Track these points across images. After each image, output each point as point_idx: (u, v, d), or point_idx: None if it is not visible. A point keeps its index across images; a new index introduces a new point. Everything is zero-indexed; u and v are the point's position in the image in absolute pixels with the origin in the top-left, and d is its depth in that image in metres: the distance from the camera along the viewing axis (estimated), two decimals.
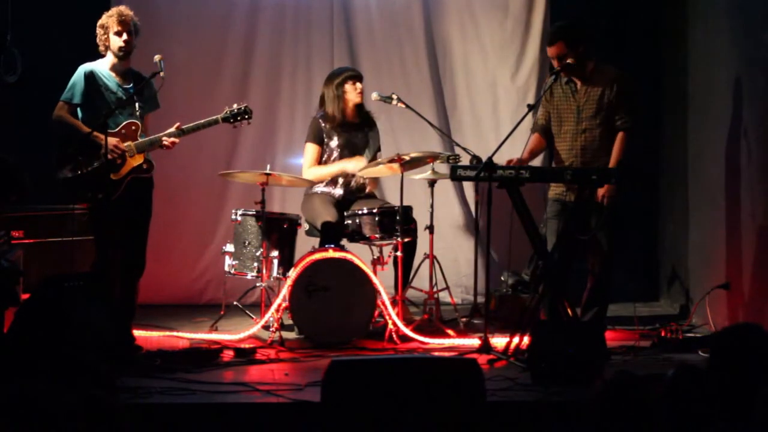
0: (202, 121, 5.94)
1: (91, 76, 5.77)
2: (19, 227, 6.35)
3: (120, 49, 5.76)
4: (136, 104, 5.84)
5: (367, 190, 6.69)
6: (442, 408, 3.34)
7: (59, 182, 5.72)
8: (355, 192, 6.63)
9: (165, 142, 5.83)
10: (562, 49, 5.86)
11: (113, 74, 5.83)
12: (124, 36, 5.75)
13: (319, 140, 6.58)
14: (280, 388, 4.94)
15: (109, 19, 5.76)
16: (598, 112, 5.97)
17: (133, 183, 5.78)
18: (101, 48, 5.82)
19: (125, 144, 5.76)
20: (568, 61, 5.91)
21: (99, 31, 5.78)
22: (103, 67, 5.83)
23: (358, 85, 6.52)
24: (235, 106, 6.06)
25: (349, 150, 6.58)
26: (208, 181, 7.51)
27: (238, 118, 6.05)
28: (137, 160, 5.79)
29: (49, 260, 6.40)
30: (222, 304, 6.63)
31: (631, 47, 7.55)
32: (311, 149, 6.60)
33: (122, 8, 5.82)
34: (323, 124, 6.58)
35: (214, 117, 5.99)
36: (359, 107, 6.59)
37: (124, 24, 5.74)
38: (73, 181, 5.71)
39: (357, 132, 6.62)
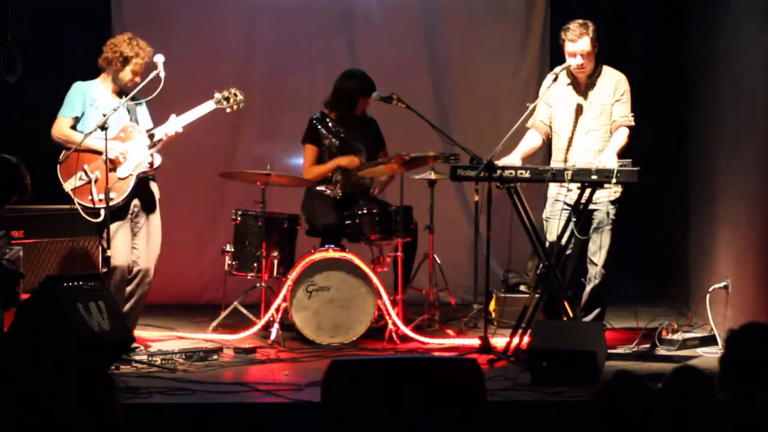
0: (195, 108, 5.93)
1: (85, 92, 5.80)
2: (19, 227, 6.35)
3: (126, 85, 5.81)
4: (130, 112, 5.85)
5: (375, 192, 6.68)
6: (442, 408, 3.34)
7: (67, 194, 5.71)
8: (356, 192, 6.62)
9: (167, 133, 5.83)
10: (587, 45, 5.87)
11: (108, 90, 5.84)
12: (138, 79, 5.80)
13: (316, 140, 6.59)
14: (280, 388, 4.94)
15: (136, 57, 5.74)
16: (601, 114, 5.98)
17: (140, 181, 5.80)
18: (102, 63, 5.81)
19: (125, 144, 5.77)
20: (569, 60, 5.91)
21: (116, 55, 5.74)
22: (97, 84, 5.85)
23: (368, 101, 6.53)
24: (225, 91, 6.06)
25: (345, 148, 6.58)
26: (208, 181, 7.51)
27: (230, 101, 6.05)
28: (141, 157, 5.81)
29: (49, 260, 6.40)
30: (222, 304, 6.62)
31: (631, 47, 7.54)
32: (309, 150, 6.61)
33: (150, 50, 5.79)
34: (318, 125, 6.59)
35: (206, 102, 5.98)
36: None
37: (144, 67, 5.77)
38: (81, 190, 5.71)
39: (354, 131, 6.62)
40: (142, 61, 5.77)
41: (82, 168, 5.72)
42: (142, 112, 5.95)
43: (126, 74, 5.78)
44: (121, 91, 5.87)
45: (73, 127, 5.79)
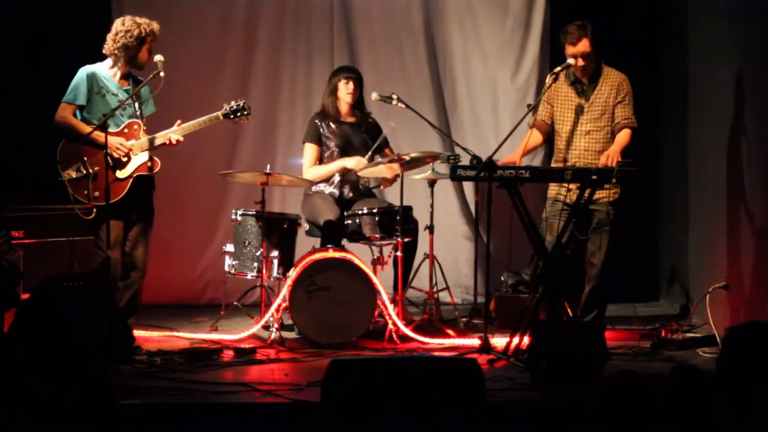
0: (203, 118, 5.97)
1: (92, 78, 5.79)
2: (19, 227, 6.35)
3: (144, 64, 5.86)
4: (136, 104, 5.87)
5: (382, 188, 6.69)
6: (442, 408, 3.34)
7: (64, 183, 5.73)
8: (356, 192, 6.62)
9: (170, 138, 5.85)
10: (586, 46, 5.87)
11: (114, 77, 5.85)
12: (151, 54, 5.86)
13: (317, 140, 6.59)
14: (280, 388, 4.94)
15: (149, 36, 5.80)
16: (603, 114, 5.98)
17: (137, 182, 5.81)
18: (110, 49, 5.81)
19: (129, 142, 5.79)
20: (569, 61, 5.92)
21: (129, 39, 5.76)
22: (104, 69, 5.86)
23: (350, 85, 6.52)
24: (233, 102, 6.10)
25: (347, 148, 6.57)
26: (208, 181, 7.51)
27: (238, 114, 6.09)
28: (142, 159, 5.82)
29: (49, 260, 6.39)
30: (222, 304, 6.63)
31: (631, 46, 7.54)
32: (310, 149, 6.60)
33: (156, 24, 5.86)
34: (319, 124, 6.59)
35: (214, 114, 6.02)
36: (355, 107, 6.60)
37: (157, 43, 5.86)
38: (78, 182, 5.73)
39: (354, 131, 6.62)
40: (154, 36, 5.85)
41: (81, 159, 5.73)
42: (146, 97, 5.97)
43: (144, 55, 5.85)
44: (128, 74, 5.90)
45: (75, 114, 5.79)
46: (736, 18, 6.25)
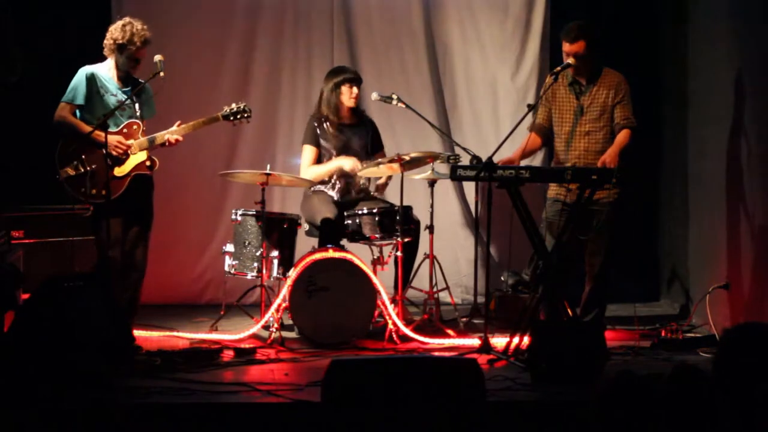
0: (202, 119, 5.98)
1: (92, 78, 5.80)
2: (19, 227, 6.35)
3: (127, 70, 5.85)
4: (136, 105, 5.88)
5: (374, 193, 6.68)
6: (442, 408, 3.34)
7: (62, 182, 5.74)
8: (355, 195, 6.62)
9: (168, 138, 5.86)
10: (581, 47, 5.87)
11: (113, 77, 5.85)
12: (139, 63, 5.84)
13: (315, 142, 6.58)
14: (280, 388, 4.94)
15: (130, 44, 5.75)
16: (602, 115, 5.98)
17: (136, 181, 5.82)
18: (106, 51, 5.83)
19: (128, 141, 5.80)
20: (569, 61, 5.92)
21: (110, 42, 5.77)
22: (104, 69, 5.86)
23: (355, 89, 6.52)
24: (234, 105, 6.11)
25: (345, 150, 6.57)
26: (208, 181, 7.51)
27: (238, 117, 6.10)
28: (141, 158, 5.83)
29: (49, 260, 6.40)
30: (222, 304, 6.63)
31: (631, 47, 7.54)
32: (308, 151, 6.60)
33: (146, 33, 5.80)
34: (317, 126, 6.58)
35: (213, 115, 6.03)
36: (353, 109, 6.60)
37: (143, 50, 5.81)
38: (76, 180, 5.73)
39: (352, 133, 6.62)
40: (135, 47, 5.77)
41: (79, 157, 5.73)
42: (147, 99, 5.98)
43: (125, 62, 5.81)
44: (126, 77, 5.89)
45: (74, 114, 5.80)
46: (736, 18, 6.25)
